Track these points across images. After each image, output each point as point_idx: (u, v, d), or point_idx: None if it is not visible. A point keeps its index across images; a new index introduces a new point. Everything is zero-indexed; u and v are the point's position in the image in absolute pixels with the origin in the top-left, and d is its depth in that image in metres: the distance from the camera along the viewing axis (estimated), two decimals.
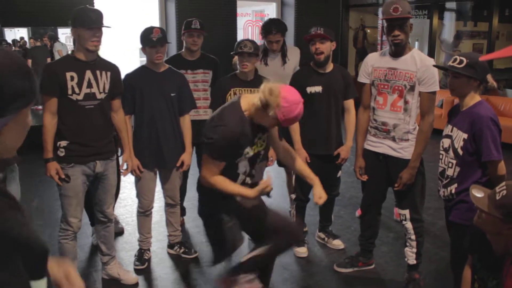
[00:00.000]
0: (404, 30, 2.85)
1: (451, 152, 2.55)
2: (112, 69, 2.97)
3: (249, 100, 2.38)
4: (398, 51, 2.94)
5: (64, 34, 9.44)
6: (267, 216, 2.61)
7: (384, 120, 3.03)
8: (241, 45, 3.30)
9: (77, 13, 2.79)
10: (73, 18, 2.77)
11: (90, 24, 2.72)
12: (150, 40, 3.11)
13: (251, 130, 2.38)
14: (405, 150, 2.99)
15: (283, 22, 3.82)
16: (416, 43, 10.06)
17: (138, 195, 3.40)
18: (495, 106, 7.35)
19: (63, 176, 2.81)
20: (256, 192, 2.38)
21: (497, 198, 1.88)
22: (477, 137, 2.41)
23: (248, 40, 3.40)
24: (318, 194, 2.55)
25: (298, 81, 3.39)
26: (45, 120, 2.80)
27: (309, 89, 3.37)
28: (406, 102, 2.94)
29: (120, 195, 4.13)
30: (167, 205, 3.50)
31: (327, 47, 3.31)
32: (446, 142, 2.61)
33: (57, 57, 9.00)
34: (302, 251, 3.67)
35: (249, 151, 2.40)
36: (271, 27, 3.72)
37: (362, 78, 3.14)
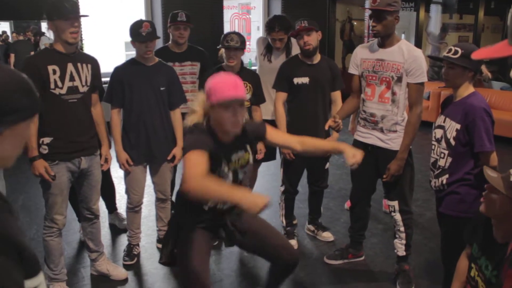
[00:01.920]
0: (382, 22, 2.83)
1: (443, 143, 2.55)
2: (92, 61, 2.91)
3: (194, 118, 2.20)
4: (383, 42, 2.94)
5: (45, 28, 9.28)
6: (265, 233, 2.45)
7: (372, 112, 3.03)
8: (228, 39, 3.27)
9: (51, 4, 2.68)
10: (47, 10, 2.67)
11: (66, 14, 2.63)
12: (140, 35, 3.06)
13: (218, 143, 2.16)
14: (393, 141, 3.00)
15: (287, 19, 3.76)
16: (403, 35, 10.10)
17: (127, 191, 3.36)
18: None
19: (52, 174, 2.74)
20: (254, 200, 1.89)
21: (511, 179, 1.88)
22: (470, 128, 2.41)
23: (234, 33, 3.37)
24: (351, 154, 2.28)
25: (285, 72, 3.39)
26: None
27: (296, 80, 3.37)
28: (393, 94, 2.94)
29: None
30: (158, 199, 3.47)
31: (314, 38, 3.30)
32: (438, 133, 2.60)
33: None
34: (291, 243, 3.66)
35: (224, 168, 2.19)
36: (274, 25, 3.67)
37: (352, 70, 3.15)
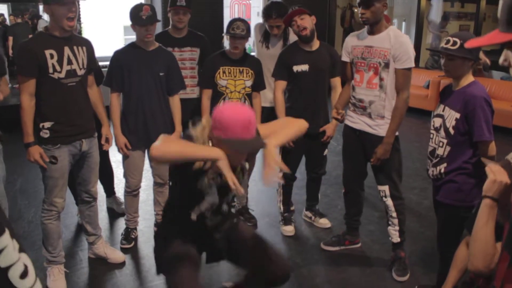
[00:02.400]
0: (370, 9, 2.87)
1: (442, 132, 2.55)
2: (86, 44, 2.89)
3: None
4: (371, 29, 2.99)
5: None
6: (256, 244, 2.28)
7: (361, 97, 3.08)
8: (234, 27, 3.26)
9: None
10: None
11: None
12: (140, 18, 3.04)
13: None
14: (380, 127, 3.04)
15: (284, 5, 3.71)
16: (404, 23, 10.05)
17: (125, 175, 3.36)
18: None
19: (47, 159, 2.73)
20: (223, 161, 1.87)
21: None
22: (469, 117, 2.41)
23: (240, 20, 3.35)
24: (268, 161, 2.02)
25: (284, 60, 3.38)
26: (23, 102, 2.65)
27: (296, 68, 3.36)
28: (381, 79, 2.98)
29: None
30: (156, 184, 3.47)
31: (308, 21, 3.27)
32: (437, 122, 2.60)
33: None
34: (289, 229, 3.70)
35: (215, 177, 2.05)
36: (271, 11, 3.63)
37: (344, 57, 3.20)
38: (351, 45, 3.11)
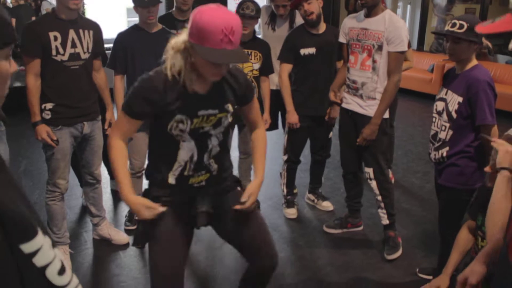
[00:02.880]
0: None
1: (444, 115, 2.54)
2: (94, 27, 2.89)
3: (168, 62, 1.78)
4: (368, 11, 3.01)
5: None
6: (248, 222, 2.04)
7: (354, 79, 3.12)
8: (244, 7, 3.25)
9: None
10: None
11: None
12: (142, 0, 3.02)
13: (183, 94, 1.78)
14: (370, 107, 3.07)
15: None
16: (409, 6, 9.94)
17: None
18: None
19: (54, 138, 2.75)
20: (138, 204, 1.80)
21: None
22: (472, 101, 2.39)
23: (250, 1, 3.33)
24: (249, 191, 1.96)
25: (291, 43, 3.38)
26: (29, 83, 2.68)
27: (303, 51, 3.35)
28: (374, 61, 3.02)
29: None
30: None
31: (315, 6, 3.26)
32: (440, 105, 2.59)
33: None
34: (291, 212, 3.72)
35: (184, 120, 1.79)
36: None
37: (341, 38, 3.23)
38: (348, 26, 3.14)
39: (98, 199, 3.18)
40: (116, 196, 3.97)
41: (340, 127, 3.33)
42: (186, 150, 1.86)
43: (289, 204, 3.75)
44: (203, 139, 1.87)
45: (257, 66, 3.41)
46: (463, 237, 2.27)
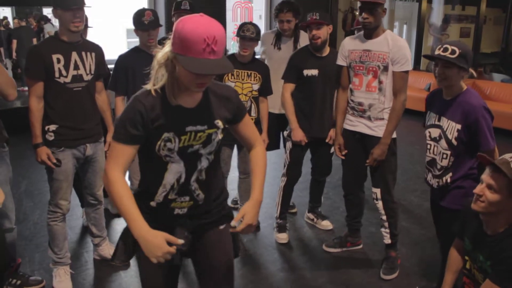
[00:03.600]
0: (373, 13, 2.94)
1: (443, 143, 2.52)
2: (96, 49, 2.95)
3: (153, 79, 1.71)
4: (369, 33, 3.05)
5: (50, 14, 9.26)
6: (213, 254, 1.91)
7: (360, 101, 3.13)
8: (244, 29, 3.31)
9: None
10: None
11: (69, 5, 2.65)
12: (142, 23, 3.10)
13: (168, 110, 1.68)
14: (379, 128, 3.09)
15: (296, 4, 3.82)
16: (405, 26, 10.09)
17: (129, 177, 3.40)
18: (481, 90, 7.45)
19: (54, 161, 2.78)
20: (153, 238, 1.59)
21: None
22: (472, 128, 2.39)
23: (251, 24, 3.41)
24: (243, 212, 1.79)
25: (295, 63, 3.44)
26: (32, 105, 2.73)
27: (306, 72, 3.41)
28: (380, 82, 3.04)
29: None
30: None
31: (323, 32, 3.33)
32: (434, 132, 2.58)
33: None
34: (282, 237, 3.68)
35: (171, 138, 1.69)
36: (283, 7, 3.74)
37: (340, 61, 3.23)
38: (348, 49, 3.16)
39: (99, 219, 3.20)
40: (109, 215, 3.95)
41: (345, 149, 3.29)
42: (174, 172, 1.74)
43: (281, 228, 3.71)
44: (192, 159, 1.75)
45: (256, 87, 3.47)
46: (454, 257, 2.32)
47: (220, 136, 1.79)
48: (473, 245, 2.17)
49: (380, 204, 3.18)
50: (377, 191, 3.16)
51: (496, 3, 9.81)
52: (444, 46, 2.41)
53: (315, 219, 3.94)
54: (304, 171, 3.77)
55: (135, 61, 3.20)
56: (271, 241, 3.62)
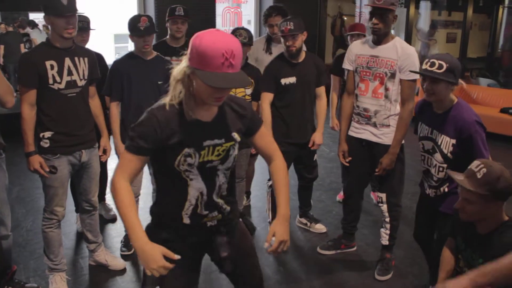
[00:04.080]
0: (384, 19, 2.91)
1: (438, 156, 2.54)
2: (89, 54, 2.95)
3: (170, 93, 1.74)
4: (379, 39, 3.02)
5: (37, 19, 9.19)
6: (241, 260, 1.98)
7: (366, 107, 3.12)
8: (236, 34, 3.33)
9: None
10: (44, 4, 2.66)
11: (62, 12, 2.62)
12: (138, 29, 3.12)
13: (185, 124, 1.71)
14: (385, 135, 3.09)
15: (284, 8, 3.87)
16: (393, 31, 10.21)
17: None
18: (468, 94, 7.57)
19: (47, 169, 2.76)
20: (153, 252, 1.61)
21: (479, 177, 1.96)
22: (467, 142, 2.41)
23: (243, 29, 3.45)
24: (272, 231, 1.84)
25: (272, 73, 3.43)
26: (24, 112, 2.70)
27: (284, 81, 3.41)
28: (386, 89, 3.03)
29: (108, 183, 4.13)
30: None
31: (299, 41, 3.34)
32: (427, 144, 2.61)
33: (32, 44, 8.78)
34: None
35: (192, 154, 1.72)
36: (272, 11, 3.79)
37: (346, 65, 3.22)
38: (355, 53, 3.14)
39: (94, 225, 3.19)
40: (103, 220, 3.94)
41: (350, 156, 3.30)
42: (195, 189, 1.77)
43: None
44: (210, 175, 1.78)
45: (249, 91, 3.50)
46: (447, 256, 2.36)
47: (236, 151, 1.82)
48: (466, 244, 2.22)
49: (385, 207, 3.18)
50: (383, 195, 3.17)
51: (481, 9, 9.99)
52: (431, 60, 2.40)
53: (308, 223, 3.96)
54: (294, 175, 3.79)
55: (130, 67, 3.22)
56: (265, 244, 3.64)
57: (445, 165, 2.54)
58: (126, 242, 3.49)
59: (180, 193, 1.78)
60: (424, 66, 2.43)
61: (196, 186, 1.77)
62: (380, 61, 3.01)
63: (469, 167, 2.05)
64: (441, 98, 2.45)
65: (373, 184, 4.19)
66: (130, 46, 5.41)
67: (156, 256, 1.61)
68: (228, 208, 1.88)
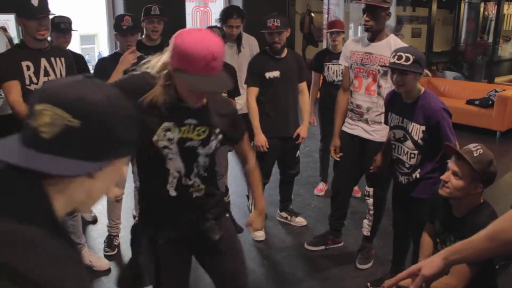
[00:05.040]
0: (376, 17, 2.95)
1: (409, 144, 2.65)
2: (65, 54, 2.94)
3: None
4: (373, 36, 3.07)
5: (8, 21, 8.93)
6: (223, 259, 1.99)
7: (359, 103, 3.17)
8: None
9: (19, 0, 2.64)
10: (15, 6, 2.64)
11: (34, 14, 2.60)
12: (121, 28, 3.14)
13: (169, 101, 1.67)
14: (377, 132, 3.14)
15: (242, 9, 3.89)
16: (359, 27, 10.40)
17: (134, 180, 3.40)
18: (436, 87, 7.80)
19: None
20: None
21: (475, 155, 2.08)
22: (435, 129, 2.54)
23: (216, 27, 3.49)
24: (252, 219, 2.13)
25: (256, 68, 3.48)
26: (15, 100, 2.61)
27: (268, 75, 3.47)
28: (379, 86, 3.08)
29: None
30: (137, 188, 3.52)
31: (284, 37, 3.42)
32: (398, 133, 2.70)
33: None
34: (259, 234, 3.71)
35: (171, 128, 1.71)
36: (232, 12, 3.77)
37: (343, 61, 3.28)
38: (350, 50, 3.19)
39: (77, 226, 3.17)
40: (84, 222, 3.90)
41: (342, 151, 3.35)
42: (174, 167, 1.77)
43: None
44: (189, 155, 1.77)
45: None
46: (426, 241, 2.47)
47: (218, 145, 1.85)
48: (443, 227, 2.32)
49: (371, 201, 3.24)
50: (371, 190, 3.23)
51: (444, 4, 10.30)
52: (398, 54, 2.51)
53: (288, 217, 4.03)
54: (274, 170, 3.84)
55: (114, 65, 3.21)
56: (248, 238, 3.69)
57: (416, 152, 2.64)
58: (109, 243, 3.48)
59: (161, 168, 1.77)
60: (392, 60, 2.54)
61: (174, 165, 1.76)
62: (373, 58, 3.06)
63: (466, 146, 2.16)
64: (409, 88, 2.56)
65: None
66: (97, 47, 5.41)
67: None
68: (204, 186, 1.87)
